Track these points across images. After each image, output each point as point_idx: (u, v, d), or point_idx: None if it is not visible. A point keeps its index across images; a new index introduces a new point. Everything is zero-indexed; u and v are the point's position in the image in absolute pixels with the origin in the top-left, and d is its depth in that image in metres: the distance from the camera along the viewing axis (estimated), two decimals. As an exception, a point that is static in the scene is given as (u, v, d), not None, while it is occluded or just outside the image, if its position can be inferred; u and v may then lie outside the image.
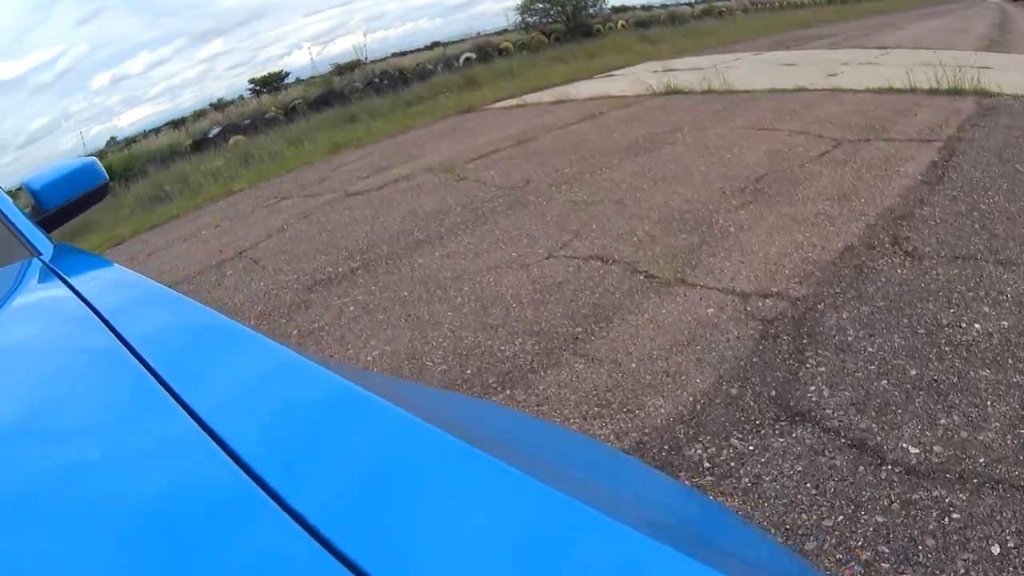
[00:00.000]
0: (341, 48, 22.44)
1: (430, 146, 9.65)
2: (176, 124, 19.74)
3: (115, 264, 1.30)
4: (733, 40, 17.12)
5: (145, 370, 0.69)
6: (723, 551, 0.61)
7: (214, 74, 25.03)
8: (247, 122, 16.10)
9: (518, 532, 0.45)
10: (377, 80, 17.17)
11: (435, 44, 25.07)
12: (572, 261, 4.58)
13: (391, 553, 0.44)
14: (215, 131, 15.93)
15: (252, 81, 20.64)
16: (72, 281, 1.07)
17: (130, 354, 0.74)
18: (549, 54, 18.26)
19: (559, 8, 21.74)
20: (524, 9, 22.25)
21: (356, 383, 0.63)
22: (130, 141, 18.69)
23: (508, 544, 0.44)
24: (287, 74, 20.72)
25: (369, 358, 3.71)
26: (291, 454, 0.55)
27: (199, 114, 19.94)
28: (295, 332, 4.21)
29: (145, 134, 20.34)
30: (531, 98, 12.09)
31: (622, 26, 22.84)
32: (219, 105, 20.04)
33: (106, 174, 2.12)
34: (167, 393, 0.64)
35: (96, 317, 0.87)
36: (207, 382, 0.69)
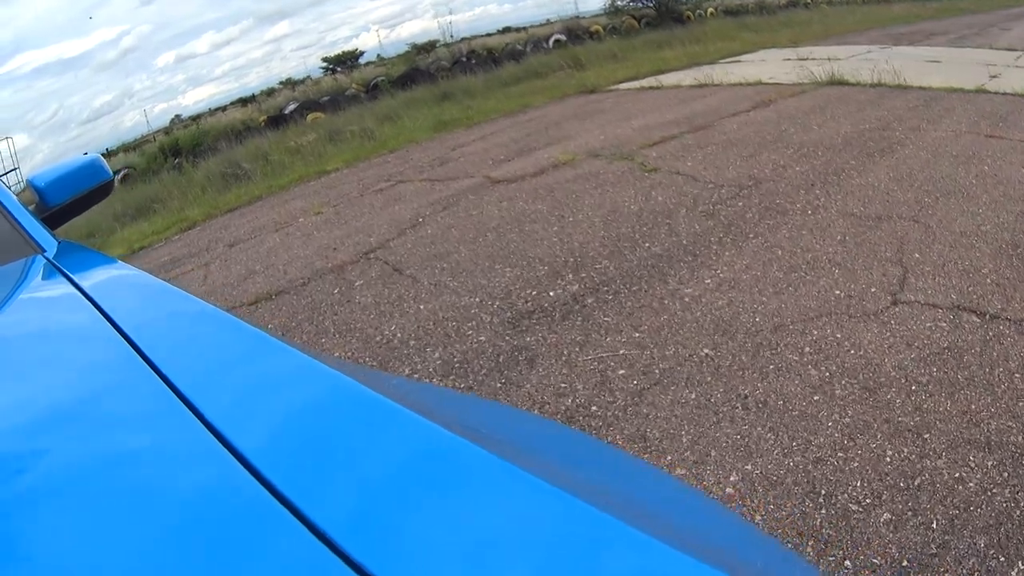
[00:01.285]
0: (409, 31, 21.04)
1: (569, 127, 7.81)
2: (245, 102, 18.33)
3: (119, 261, 1.23)
4: (840, 32, 15.43)
5: (148, 368, 0.67)
6: (742, 566, 0.57)
7: (281, 55, 23.76)
8: (326, 99, 14.44)
9: (535, 538, 0.44)
10: (465, 59, 15.44)
11: (506, 29, 23.79)
12: (936, 313, 2.76)
13: (401, 561, 0.42)
14: (291, 107, 14.30)
15: (325, 59, 19.26)
16: (75, 278, 1.06)
17: (133, 351, 0.72)
18: (645, 38, 16.62)
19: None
20: (615, -8, 20.78)
21: (365, 384, 0.61)
22: (195, 118, 17.33)
23: (524, 551, 0.43)
24: (362, 53, 19.36)
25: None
26: (299, 457, 0.52)
27: (268, 92, 18.51)
28: (541, 410, 2.42)
29: (211, 111, 19.05)
30: (664, 80, 10.18)
31: (711, 13, 21.45)
32: (289, 83, 18.64)
33: (110, 172, 2.06)
34: (171, 392, 0.62)
35: (99, 314, 0.85)
36: (212, 382, 0.67)
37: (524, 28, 22.62)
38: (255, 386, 0.66)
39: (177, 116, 18.56)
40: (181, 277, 5.40)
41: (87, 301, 0.93)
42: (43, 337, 0.92)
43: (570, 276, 3.52)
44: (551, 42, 16.75)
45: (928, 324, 2.74)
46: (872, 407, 2.25)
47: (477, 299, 3.45)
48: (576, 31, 17.63)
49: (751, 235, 3.77)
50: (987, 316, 2.76)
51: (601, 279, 3.43)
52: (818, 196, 4.29)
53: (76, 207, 2.01)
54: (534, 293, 3.40)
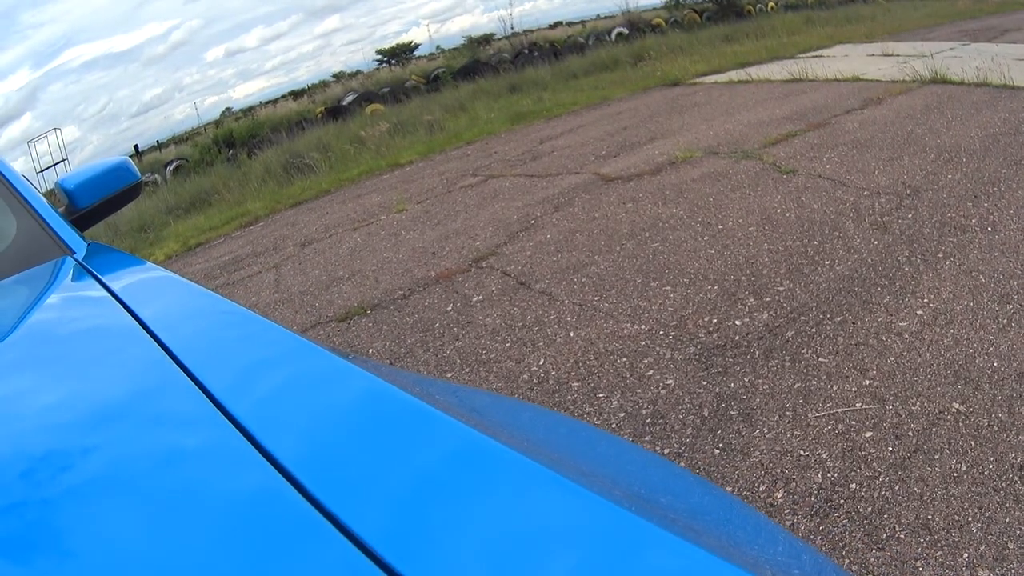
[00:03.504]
0: (459, 26, 20.71)
1: (667, 122, 7.18)
2: (296, 95, 17.97)
3: (148, 262, 1.23)
4: (909, 28, 14.67)
5: (179, 369, 0.67)
6: (752, 553, 0.56)
7: (331, 49, 23.57)
8: (385, 90, 13.91)
9: (567, 541, 0.43)
10: (527, 52, 14.82)
11: (558, 23, 23.47)
12: None
13: (433, 565, 0.42)
14: (350, 98, 13.80)
15: (380, 52, 18.86)
16: (105, 279, 1.06)
17: (164, 353, 0.71)
18: (709, 32, 16.06)
19: (712, -16, 19.84)
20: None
21: (397, 384, 0.61)
22: (247, 111, 17.03)
23: (556, 554, 0.42)
24: (417, 46, 18.93)
25: None
26: (331, 460, 0.52)
27: (321, 85, 18.12)
28: (786, 487, 1.83)
29: (262, 104, 18.82)
30: (753, 74, 9.47)
31: (772, 8, 21.00)
32: (341, 76, 18.23)
33: (138, 173, 2.02)
34: (203, 394, 0.61)
35: (129, 315, 0.85)
36: (244, 384, 0.66)
37: (580, 22, 22.20)
38: (285, 388, 0.65)
39: (228, 109, 18.39)
40: (248, 281, 4.88)
41: (117, 303, 0.92)
42: (73, 338, 0.91)
43: (752, 300, 2.91)
44: (613, 35, 16.25)
45: None
46: None
47: (644, 327, 2.85)
48: (638, 24, 17.14)
49: (940, 255, 3.14)
50: None
51: (792, 305, 2.82)
52: (989, 211, 3.63)
53: (105, 209, 1.99)
54: (715, 321, 2.79)
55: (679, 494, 0.66)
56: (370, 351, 3.27)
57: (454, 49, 17.45)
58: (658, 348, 2.66)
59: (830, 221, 3.71)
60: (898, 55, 9.52)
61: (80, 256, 1.34)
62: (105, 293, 0.99)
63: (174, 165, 12.29)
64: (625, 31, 16.30)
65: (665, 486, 0.67)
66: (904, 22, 15.75)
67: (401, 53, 18.36)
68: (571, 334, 2.93)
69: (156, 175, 12.13)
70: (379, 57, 18.38)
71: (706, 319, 2.82)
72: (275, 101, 19.21)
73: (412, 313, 3.57)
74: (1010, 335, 2.46)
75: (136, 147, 14.66)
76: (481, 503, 0.46)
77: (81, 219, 1.91)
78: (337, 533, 0.43)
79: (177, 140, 17.07)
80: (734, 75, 9.49)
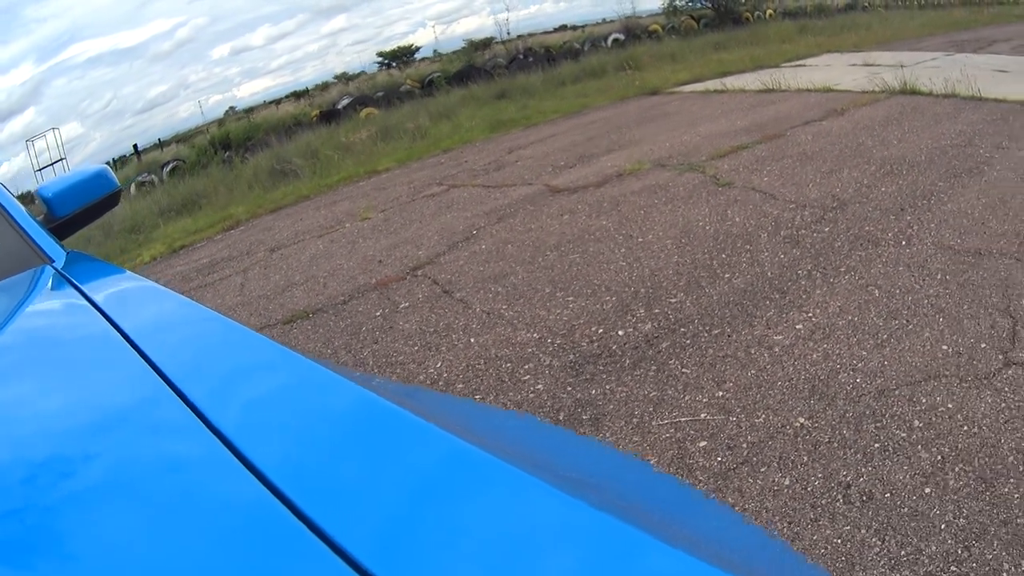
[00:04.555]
0: (465, 28, 20.75)
1: (633, 132, 7.36)
2: (298, 95, 18.17)
3: (127, 271, 1.25)
4: (902, 37, 14.77)
5: (159, 378, 0.67)
6: (734, 557, 0.58)
7: (336, 49, 23.62)
8: (380, 94, 14.15)
9: (553, 547, 0.43)
10: (522, 57, 15.02)
11: (562, 27, 23.55)
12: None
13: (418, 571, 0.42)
14: (345, 102, 14.05)
15: (380, 55, 18.89)
16: (84, 288, 1.06)
17: (143, 361, 0.71)
18: (704, 39, 16.26)
19: (709, -9, 20.04)
20: (672, -8, 20.42)
21: (378, 393, 0.60)
22: (249, 111, 17.26)
23: (543, 560, 0.43)
24: (418, 49, 19.00)
25: None
26: (312, 468, 0.52)
27: (322, 87, 18.34)
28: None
29: (265, 104, 19.03)
30: (728, 83, 9.63)
31: (770, 15, 21.17)
32: (344, 78, 18.44)
33: (117, 182, 2.05)
34: (182, 402, 0.61)
35: (108, 324, 0.86)
36: (223, 392, 0.67)
37: (582, 26, 22.27)
38: (265, 396, 0.65)
39: (232, 108, 18.54)
40: (218, 284, 5.12)
41: (96, 311, 0.93)
42: (52, 347, 0.91)
43: (642, 311, 3.10)
44: (609, 41, 16.40)
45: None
46: (989, 504, 1.80)
47: (536, 335, 3.05)
48: (635, 30, 17.27)
49: (842, 269, 3.30)
50: None
51: (677, 318, 3.01)
52: (910, 224, 3.79)
53: (84, 217, 2.00)
54: (600, 331, 2.99)
55: (660, 500, 0.67)
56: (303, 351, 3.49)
57: (452, 53, 17.63)
58: (541, 355, 2.87)
59: (746, 234, 3.88)
60: (879, 65, 9.64)
61: (59, 265, 1.34)
62: (84, 302, 0.99)
63: (171, 166, 12.55)
64: (622, 37, 16.43)
65: (645, 491, 0.68)
66: (898, 31, 15.87)
67: (402, 56, 18.50)
68: (471, 340, 3.14)
69: (153, 176, 12.40)
70: (380, 60, 18.55)
71: (593, 329, 3.01)
72: (278, 101, 19.33)
73: (346, 317, 3.79)
74: (884, 352, 2.62)
75: (135, 147, 14.91)
76: (464, 509, 0.46)
77: (60, 228, 1.91)
78: (319, 542, 0.44)
79: (180, 139, 17.28)
80: (712, 84, 9.65)
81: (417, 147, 8.75)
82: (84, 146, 16.86)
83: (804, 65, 10.92)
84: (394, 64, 18.19)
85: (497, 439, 0.68)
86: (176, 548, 0.46)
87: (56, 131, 14.41)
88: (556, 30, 23.03)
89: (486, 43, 18.11)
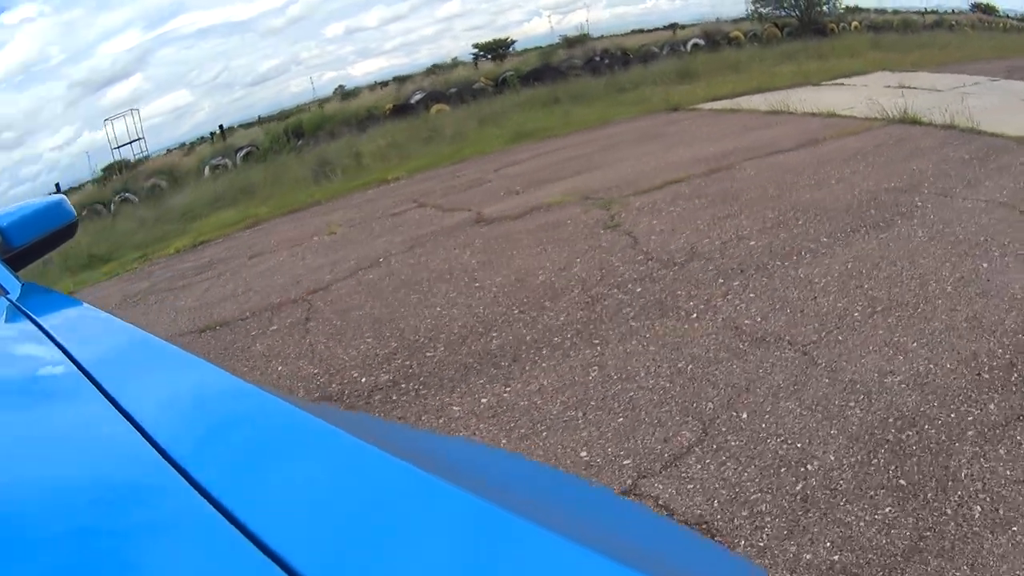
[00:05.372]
0: (581, 19, 21.00)
1: (615, 153, 7.76)
2: (401, 80, 19.25)
3: (84, 304, 1.25)
4: (967, 58, 13.73)
5: (117, 411, 0.67)
6: None
7: (452, 33, 24.51)
8: (453, 90, 14.97)
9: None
10: (597, 59, 15.38)
11: (673, 25, 23.36)
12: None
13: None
14: (417, 97, 15.00)
15: (476, 46, 19.65)
16: (40, 320, 1.06)
17: (100, 394, 0.72)
18: (780, 49, 16.21)
19: (793, 1, 19.50)
20: (758, -1, 20.03)
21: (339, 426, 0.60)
22: (348, 94, 18.50)
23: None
24: (513, 42, 19.52)
25: None
26: (285, 508, 0.50)
27: (430, 71, 19.29)
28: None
29: (374, 86, 20.16)
30: (747, 102, 9.69)
31: (855, 27, 20.77)
32: (454, 64, 19.29)
33: (74, 212, 2.07)
34: (140, 435, 0.61)
35: (64, 356, 0.86)
36: (180, 425, 0.66)
37: (676, 26, 21.96)
38: (224, 429, 0.65)
39: (341, 86, 19.77)
40: (194, 286, 6.12)
41: (51, 343, 0.94)
42: (6, 380, 0.92)
43: (399, 361, 3.73)
44: (689, 46, 16.36)
45: None
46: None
47: (318, 371, 3.76)
48: (715, 36, 17.23)
49: (596, 341, 3.57)
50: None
51: (415, 372, 3.60)
52: (726, 292, 3.91)
53: (40, 248, 2.02)
54: (355, 375, 3.65)
55: (646, 536, 0.67)
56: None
57: (536, 49, 18.10)
58: (302, 391, 3.58)
59: (564, 289, 4.32)
60: (913, 87, 9.42)
61: (14, 297, 1.35)
62: (40, 333, 1.00)
63: (244, 151, 13.86)
64: (702, 42, 16.43)
65: (629, 527, 0.69)
66: (969, 53, 15.33)
67: (498, 48, 19.15)
68: (280, 368, 3.89)
69: (227, 159, 13.75)
70: (475, 51, 19.27)
71: (353, 374, 3.68)
72: (386, 83, 20.23)
73: (233, 334, 4.64)
74: (524, 446, 2.80)
75: (221, 127, 16.41)
76: (428, 541, 0.45)
77: (15, 259, 1.91)
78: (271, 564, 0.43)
79: (287, 115, 18.47)
80: (731, 103, 9.78)
81: (442, 153, 9.50)
82: (193, 114, 18.50)
83: (842, 84, 10.77)
84: (488, 56, 18.86)
85: (483, 478, 0.67)
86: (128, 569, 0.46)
87: (135, 111, 16.15)
88: (666, 28, 22.73)
89: (582, 39, 18.45)
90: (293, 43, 21.10)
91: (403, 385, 3.49)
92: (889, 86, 9.61)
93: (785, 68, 12.44)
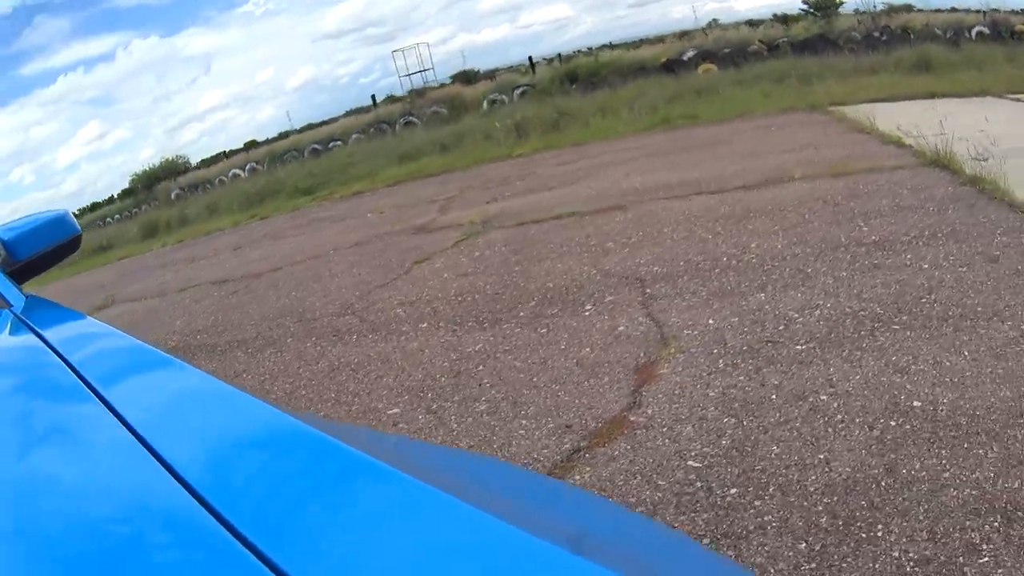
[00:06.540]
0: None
1: (627, 166, 7.40)
2: (753, 24, 18.74)
3: (87, 317, 1.31)
4: None
5: (121, 424, 0.67)
6: None
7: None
8: (726, 51, 14.43)
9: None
10: (877, 34, 13.46)
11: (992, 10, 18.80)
12: None
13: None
14: (690, 54, 14.72)
15: (806, 1, 18.19)
16: (44, 333, 1.08)
17: (104, 407, 0.72)
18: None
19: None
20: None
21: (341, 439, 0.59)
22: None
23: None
24: (843, 2, 17.69)
25: None
26: (277, 518, 0.51)
27: (754, 23, 18.54)
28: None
29: (736, 26, 19.98)
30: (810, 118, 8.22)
31: None
32: (779, 20, 18.26)
33: (78, 226, 2.12)
34: (144, 447, 0.62)
35: (68, 369, 0.88)
36: (184, 438, 0.66)
37: (972, 11, 17.64)
38: (227, 445, 0.65)
39: (714, 20, 19.99)
40: (199, 263, 7.87)
41: (55, 356, 0.93)
42: (10, 393, 0.93)
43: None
44: (973, 33, 14.33)
45: None
46: None
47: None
48: (1001, 26, 14.68)
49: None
50: None
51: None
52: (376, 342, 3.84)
53: (44, 261, 2.04)
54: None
55: (635, 541, 0.69)
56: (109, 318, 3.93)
57: (824, 20, 16.17)
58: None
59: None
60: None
61: (18, 309, 1.36)
62: (43, 346, 1.00)
63: (521, 89, 15.18)
64: (987, 31, 14.13)
65: (619, 532, 0.70)
66: None
67: (827, 7, 17.61)
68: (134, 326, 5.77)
69: (504, 96, 15.12)
70: (804, 6, 17.90)
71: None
72: (759, 22, 19.64)
73: (169, 301, 6.22)
74: None
75: (530, 58, 18.41)
76: (419, 549, 0.45)
77: (19, 272, 1.93)
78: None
79: (650, 42, 18.77)
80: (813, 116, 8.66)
81: (554, 138, 10.08)
82: (575, 27, 19.34)
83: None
84: (817, 13, 17.39)
85: (481, 487, 0.68)
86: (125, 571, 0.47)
87: (426, 45, 17.79)
88: (977, 12, 18.40)
89: (907, 7, 16.13)
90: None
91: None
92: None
93: (925, 79, 10.06)
